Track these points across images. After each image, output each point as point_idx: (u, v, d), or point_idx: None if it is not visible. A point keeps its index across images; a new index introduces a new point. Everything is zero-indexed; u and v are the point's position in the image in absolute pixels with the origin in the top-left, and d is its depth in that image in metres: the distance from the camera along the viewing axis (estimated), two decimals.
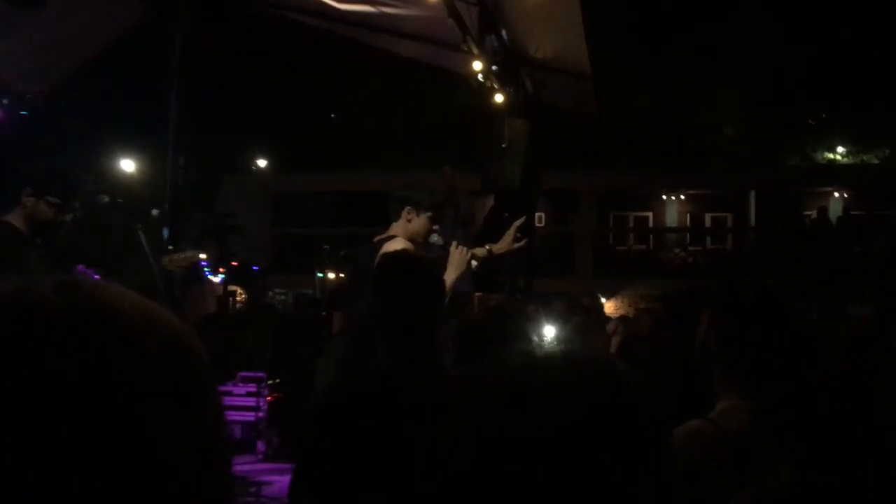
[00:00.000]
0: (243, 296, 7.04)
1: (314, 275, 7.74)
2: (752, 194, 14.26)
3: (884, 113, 13.24)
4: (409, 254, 3.29)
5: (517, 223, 4.49)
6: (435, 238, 4.35)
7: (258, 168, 12.26)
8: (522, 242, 4.53)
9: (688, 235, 15.59)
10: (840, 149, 15.07)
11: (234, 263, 7.76)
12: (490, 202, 7.46)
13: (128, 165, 7.61)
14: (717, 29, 12.30)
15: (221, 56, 9.02)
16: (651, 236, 15.88)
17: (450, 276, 3.80)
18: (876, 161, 14.80)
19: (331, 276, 7.90)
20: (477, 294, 5.42)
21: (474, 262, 4.22)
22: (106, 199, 4.95)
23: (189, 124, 6.83)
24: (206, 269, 7.36)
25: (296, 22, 8.44)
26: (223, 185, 11.35)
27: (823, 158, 15.28)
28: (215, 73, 9.06)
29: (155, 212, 5.70)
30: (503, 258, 4.87)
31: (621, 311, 7.47)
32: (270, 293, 8.70)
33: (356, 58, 9.59)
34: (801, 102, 13.67)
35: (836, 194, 14.95)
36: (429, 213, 4.12)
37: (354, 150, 12.55)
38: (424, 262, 2.62)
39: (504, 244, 4.47)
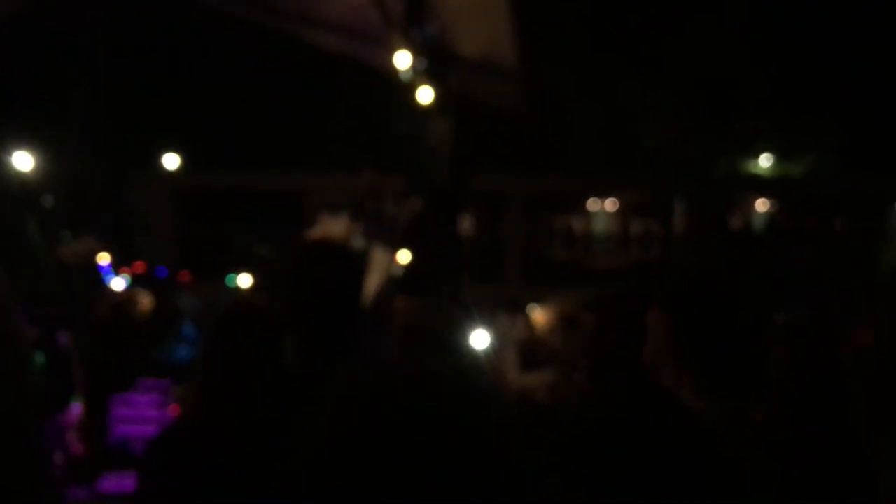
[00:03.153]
0: (148, 301, 6.53)
1: (225, 279, 7.30)
2: (678, 203, 14.39)
3: (808, 123, 13.49)
4: (327, 241, 3.00)
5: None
6: (358, 242, 4.17)
7: (165, 167, 11.69)
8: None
9: (614, 243, 15.65)
10: (764, 159, 15.31)
11: (137, 265, 7.25)
12: (416, 204, 7.16)
13: (23, 160, 7.05)
14: (655, 36, 12.30)
15: (127, 46, 8.53)
16: (579, 242, 15.87)
17: (372, 280, 3.52)
18: (798, 171, 15.08)
19: (244, 280, 7.46)
20: (400, 299, 5.13)
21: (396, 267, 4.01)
22: None
23: (93, 113, 6.37)
24: (107, 271, 6.84)
25: (212, 11, 8.02)
26: (128, 181, 10.78)
27: (747, 169, 15.51)
28: (122, 63, 8.55)
29: (48, 200, 5.21)
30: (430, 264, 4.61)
31: (550, 319, 7.26)
32: (180, 298, 8.19)
33: (274, 52, 9.21)
34: (728, 112, 13.80)
35: (761, 204, 15.23)
36: (346, 215, 3.92)
37: (271, 149, 12.12)
38: (344, 249, 2.31)
39: None
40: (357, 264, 2.19)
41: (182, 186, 12.80)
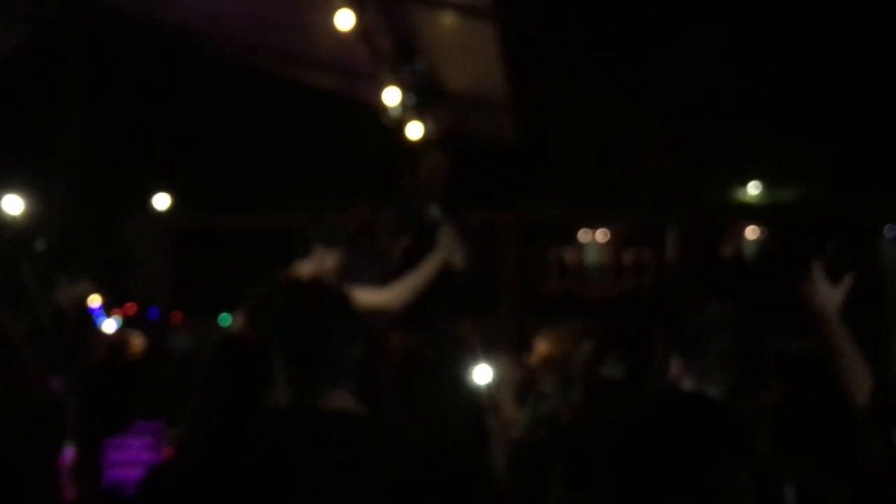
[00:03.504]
0: (140, 342, 6.50)
1: (218, 319, 7.26)
2: (670, 231, 14.43)
3: (797, 150, 13.60)
4: (315, 280, 2.99)
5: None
6: (434, 211, 4.21)
7: (157, 208, 11.69)
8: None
9: (607, 273, 15.65)
10: (752, 187, 15.41)
11: (129, 307, 7.22)
12: (407, 240, 7.17)
13: (13, 203, 7.02)
14: (642, 65, 12.43)
15: (119, 86, 8.57)
16: (572, 273, 15.87)
17: (436, 258, 3.55)
18: (787, 198, 15.18)
19: (237, 319, 7.42)
20: (396, 334, 5.10)
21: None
22: None
23: (83, 153, 6.36)
24: (98, 313, 6.79)
25: (202, 52, 8.07)
26: (121, 222, 10.77)
27: (736, 197, 15.60)
28: (113, 103, 8.58)
29: (40, 244, 5.20)
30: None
31: (548, 351, 7.25)
32: (173, 339, 8.15)
33: (263, 90, 9.25)
34: (718, 138, 13.90)
35: (751, 231, 15.29)
36: (338, 250, 3.90)
37: (262, 187, 12.13)
38: (333, 287, 2.30)
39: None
40: (344, 299, 2.18)
41: (173, 226, 12.78)
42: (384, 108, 6.51)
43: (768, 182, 15.32)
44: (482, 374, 3.71)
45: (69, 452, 4.30)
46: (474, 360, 4.09)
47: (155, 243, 11.95)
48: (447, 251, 3.55)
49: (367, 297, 3.54)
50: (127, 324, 7.42)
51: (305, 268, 3.80)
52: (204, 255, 13.01)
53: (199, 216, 12.81)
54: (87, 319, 6.54)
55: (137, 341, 6.98)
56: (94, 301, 6.93)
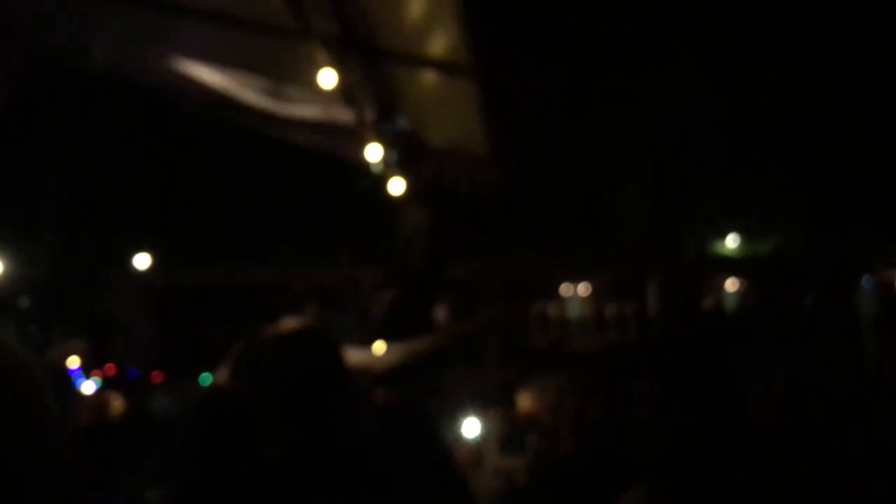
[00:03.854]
0: (120, 404, 6.40)
1: (199, 379, 7.16)
2: (650, 284, 14.52)
3: (774, 203, 13.78)
4: (303, 329, 2.98)
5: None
6: None
7: (138, 267, 11.63)
8: None
9: (590, 326, 15.69)
10: (731, 240, 15.56)
11: (108, 367, 7.12)
12: (390, 295, 7.16)
13: None
14: (622, 118, 12.61)
15: (101, 146, 8.59)
16: (555, 327, 15.90)
17: (437, 344, 3.56)
18: (766, 250, 15.33)
19: (219, 373, 7.33)
20: (379, 391, 5.07)
21: None
22: None
23: (65, 213, 6.37)
24: (77, 375, 6.70)
25: (183, 111, 8.14)
26: (102, 280, 10.69)
27: (716, 250, 15.74)
28: (94, 162, 8.60)
29: (23, 302, 5.15)
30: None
31: (533, 405, 7.22)
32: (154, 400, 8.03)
33: (247, 148, 9.30)
34: (696, 193, 14.07)
35: (731, 284, 15.41)
36: (324, 307, 3.93)
37: (246, 245, 12.10)
38: (323, 337, 2.30)
39: None
40: (333, 349, 2.17)
41: (154, 286, 12.69)
42: (366, 165, 6.57)
43: (746, 235, 15.48)
44: (470, 426, 3.69)
45: None
46: (462, 413, 4.07)
47: (136, 303, 11.86)
48: (448, 342, 3.61)
49: (354, 356, 3.53)
50: (106, 385, 7.31)
51: (293, 324, 3.79)
52: (185, 315, 12.90)
53: (180, 275, 12.74)
54: (66, 381, 6.45)
55: (117, 403, 6.87)
56: (73, 362, 6.84)
